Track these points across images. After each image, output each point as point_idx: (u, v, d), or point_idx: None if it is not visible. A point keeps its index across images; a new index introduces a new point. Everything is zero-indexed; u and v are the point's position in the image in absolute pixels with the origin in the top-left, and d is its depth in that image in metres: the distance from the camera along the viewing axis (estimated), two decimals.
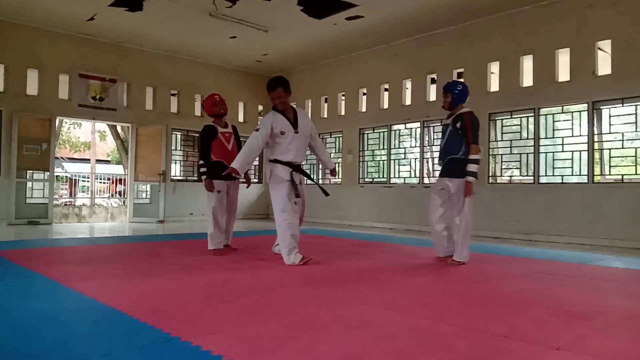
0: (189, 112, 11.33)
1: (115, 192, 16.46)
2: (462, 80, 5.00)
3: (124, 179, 13.98)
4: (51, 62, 9.43)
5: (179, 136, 11.29)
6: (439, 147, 5.16)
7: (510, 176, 8.42)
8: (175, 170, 11.27)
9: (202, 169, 5.17)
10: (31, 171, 9.38)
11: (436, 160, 9.28)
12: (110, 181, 17.11)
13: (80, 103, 9.72)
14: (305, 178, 4.82)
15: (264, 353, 2.09)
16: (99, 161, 24.11)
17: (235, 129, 5.45)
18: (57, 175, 14.05)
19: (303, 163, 4.69)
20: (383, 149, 10.28)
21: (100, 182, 17.45)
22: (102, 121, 11.29)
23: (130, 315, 2.62)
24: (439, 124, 9.19)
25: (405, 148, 10.06)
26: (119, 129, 16.96)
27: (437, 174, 9.31)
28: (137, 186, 10.84)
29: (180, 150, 11.30)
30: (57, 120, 10.51)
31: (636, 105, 6.88)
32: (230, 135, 5.32)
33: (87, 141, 24.67)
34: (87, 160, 23.49)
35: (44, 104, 9.32)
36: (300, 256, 4.54)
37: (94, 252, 5.55)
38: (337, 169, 11.05)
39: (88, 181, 17.53)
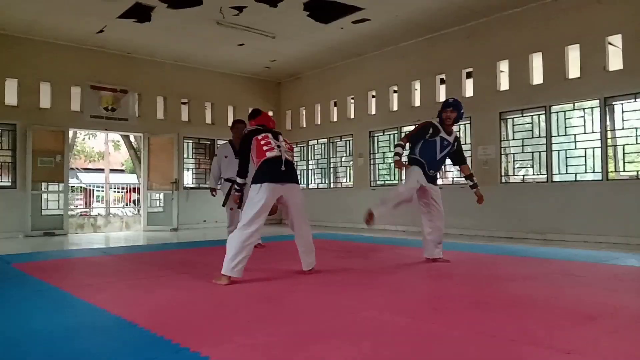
0: (199, 121, 11.42)
1: (130, 201, 16.61)
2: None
3: (138, 188, 14.11)
4: (62, 75, 9.59)
5: (190, 144, 11.40)
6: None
7: (524, 175, 8.34)
8: (188, 178, 11.36)
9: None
10: (46, 183, 9.50)
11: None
12: (125, 190, 17.27)
13: (92, 114, 9.87)
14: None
15: None
16: (113, 170, 24.29)
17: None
18: (72, 186, 14.21)
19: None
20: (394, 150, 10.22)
21: (115, 192, 17.62)
22: (114, 132, 11.46)
23: (141, 326, 2.64)
24: None
25: None
26: (132, 138, 17.13)
27: (449, 174, 9.36)
28: (150, 195, 10.95)
29: (192, 158, 11.41)
30: (71, 132, 10.65)
31: None
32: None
33: (101, 151, 24.93)
34: (101, 170, 23.70)
35: (57, 116, 9.48)
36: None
37: (108, 262, 5.60)
38: (348, 172, 11.14)
39: (103, 191, 17.70)
